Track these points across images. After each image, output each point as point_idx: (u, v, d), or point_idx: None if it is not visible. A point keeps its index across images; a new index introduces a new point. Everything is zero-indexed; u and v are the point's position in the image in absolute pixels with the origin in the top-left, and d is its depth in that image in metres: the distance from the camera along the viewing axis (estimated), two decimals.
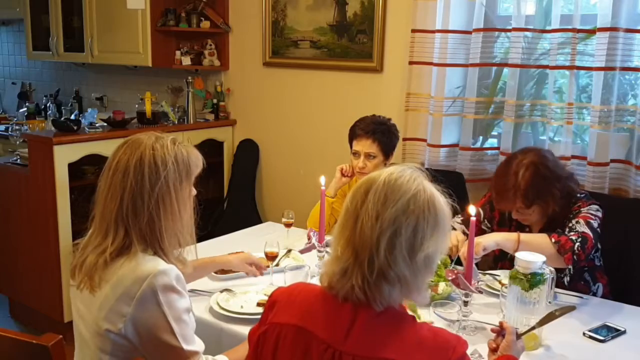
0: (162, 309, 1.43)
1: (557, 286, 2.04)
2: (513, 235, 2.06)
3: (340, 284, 1.21)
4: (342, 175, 2.69)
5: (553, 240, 2.04)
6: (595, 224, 2.12)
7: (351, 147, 2.67)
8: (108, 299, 1.44)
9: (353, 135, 2.65)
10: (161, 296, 1.43)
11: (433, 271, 1.25)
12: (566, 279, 2.17)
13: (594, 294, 2.27)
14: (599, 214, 2.17)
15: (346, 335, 1.20)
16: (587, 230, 2.08)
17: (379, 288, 1.18)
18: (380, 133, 2.59)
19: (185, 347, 1.47)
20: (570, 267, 2.11)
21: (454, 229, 2.22)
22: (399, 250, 1.16)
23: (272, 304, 1.33)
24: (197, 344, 1.53)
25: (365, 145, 2.58)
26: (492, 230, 2.36)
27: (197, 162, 1.58)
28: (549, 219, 2.23)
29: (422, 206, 1.19)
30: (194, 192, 1.60)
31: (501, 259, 2.38)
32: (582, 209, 2.17)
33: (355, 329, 1.20)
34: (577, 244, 2.02)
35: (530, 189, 2.11)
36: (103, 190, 1.50)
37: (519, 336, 1.56)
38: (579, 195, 2.24)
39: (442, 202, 1.23)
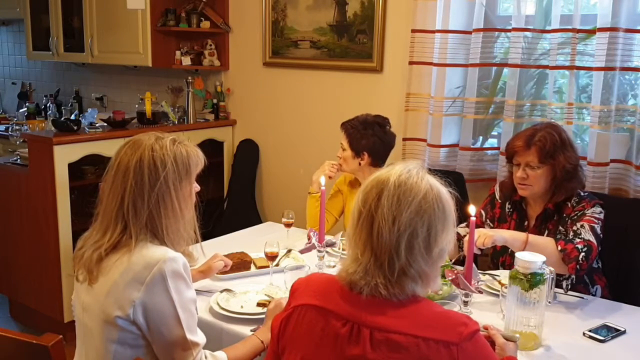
0: (170, 294, 1.47)
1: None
2: (522, 236, 2.10)
3: (363, 282, 1.27)
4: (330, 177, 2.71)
5: (559, 247, 2.06)
6: (598, 229, 2.15)
7: None
8: (117, 285, 1.47)
9: None
10: (170, 282, 1.47)
11: (445, 258, 1.34)
12: (565, 283, 2.15)
13: (593, 296, 2.26)
14: (602, 217, 2.19)
15: (364, 312, 1.27)
16: (592, 239, 2.10)
17: (401, 285, 1.26)
18: (349, 126, 2.66)
19: (189, 336, 1.51)
20: (572, 275, 2.13)
21: (459, 235, 2.22)
22: (417, 250, 1.25)
23: (293, 292, 1.42)
24: (199, 336, 1.56)
25: (341, 138, 2.68)
26: (494, 228, 2.38)
27: (197, 160, 1.61)
28: (549, 202, 2.25)
29: (432, 204, 1.26)
30: (197, 188, 1.65)
31: (502, 254, 2.39)
32: (586, 211, 2.18)
33: (373, 308, 1.26)
34: (582, 254, 2.04)
35: (547, 143, 2.20)
36: (105, 190, 1.56)
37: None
38: (582, 194, 2.25)
39: (447, 195, 1.31)
